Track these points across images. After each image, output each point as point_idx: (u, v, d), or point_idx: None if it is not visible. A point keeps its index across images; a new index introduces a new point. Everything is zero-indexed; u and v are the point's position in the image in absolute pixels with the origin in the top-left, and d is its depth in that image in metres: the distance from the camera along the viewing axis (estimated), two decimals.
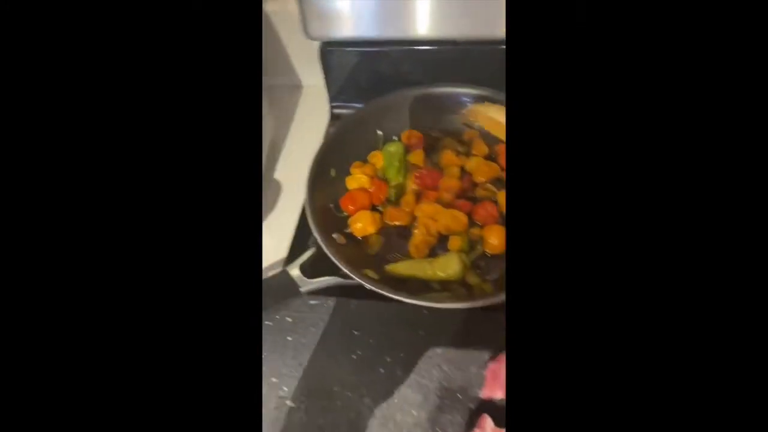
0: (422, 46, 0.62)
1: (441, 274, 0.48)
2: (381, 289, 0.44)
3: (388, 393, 0.42)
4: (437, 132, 0.62)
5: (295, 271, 0.48)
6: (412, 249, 0.51)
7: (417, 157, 0.58)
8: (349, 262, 0.47)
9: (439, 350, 0.44)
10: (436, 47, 0.62)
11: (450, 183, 0.55)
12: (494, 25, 0.58)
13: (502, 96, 0.58)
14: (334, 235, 0.52)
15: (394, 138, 0.62)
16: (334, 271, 0.47)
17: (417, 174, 0.56)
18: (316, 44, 0.65)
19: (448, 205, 0.53)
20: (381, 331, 0.45)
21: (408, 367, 0.43)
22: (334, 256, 0.46)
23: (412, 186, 0.56)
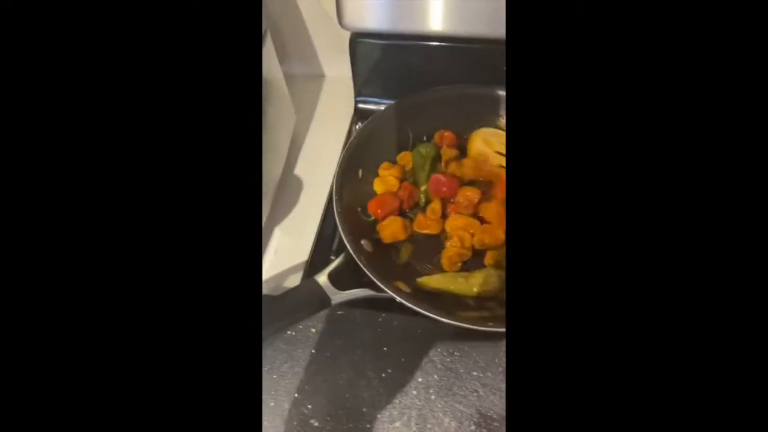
0: (458, 43, 0.59)
1: (476, 290, 0.45)
2: (418, 306, 0.41)
3: (420, 417, 0.39)
4: (471, 133, 0.59)
5: (323, 279, 0.44)
6: (444, 261, 0.48)
7: (450, 160, 0.55)
8: (379, 273, 0.44)
9: (475, 373, 0.41)
10: (472, 45, 0.58)
11: (468, 194, 0.51)
12: None
13: None
14: (362, 242, 0.48)
15: (425, 139, 0.58)
16: (364, 281, 0.44)
17: (434, 179, 0.52)
18: (344, 33, 0.61)
19: (472, 216, 0.50)
20: (413, 349, 0.42)
21: (442, 390, 0.40)
22: (366, 267, 0.43)
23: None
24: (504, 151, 0.54)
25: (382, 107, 0.59)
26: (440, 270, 0.48)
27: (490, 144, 0.56)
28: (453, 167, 0.54)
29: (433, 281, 0.46)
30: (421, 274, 0.48)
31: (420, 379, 0.41)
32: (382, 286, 0.42)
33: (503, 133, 0.55)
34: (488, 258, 0.47)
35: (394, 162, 0.56)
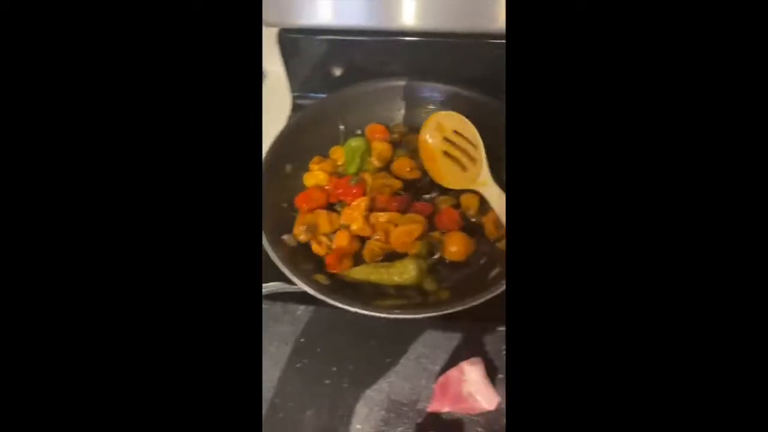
0: (401, 36, 0.59)
1: (397, 279, 0.46)
2: (326, 296, 0.41)
3: (332, 405, 0.40)
4: (404, 127, 0.59)
5: None
6: (366, 253, 0.48)
7: (381, 153, 0.55)
8: (297, 267, 0.44)
9: (388, 360, 0.42)
10: (416, 38, 0.59)
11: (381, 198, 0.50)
12: (481, 18, 0.55)
13: (477, 94, 0.55)
14: (285, 237, 0.49)
15: (358, 132, 0.59)
16: (284, 275, 0.44)
17: (330, 184, 0.52)
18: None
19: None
20: (329, 340, 0.43)
21: (355, 378, 0.41)
22: (281, 261, 0.44)
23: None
24: (462, 131, 0.53)
25: None
26: (363, 262, 0.48)
27: (441, 129, 0.56)
28: (378, 162, 0.54)
29: (354, 272, 0.47)
30: (349, 265, 0.48)
31: (334, 369, 0.41)
32: (294, 279, 0.42)
33: (458, 116, 0.54)
34: (411, 248, 0.48)
35: (326, 156, 0.57)
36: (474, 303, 0.40)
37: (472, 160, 0.52)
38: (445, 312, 0.40)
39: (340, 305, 0.40)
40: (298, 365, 0.42)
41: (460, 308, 0.39)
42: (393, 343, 0.42)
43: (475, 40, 0.57)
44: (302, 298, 0.44)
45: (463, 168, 0.52)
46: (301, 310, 0.45)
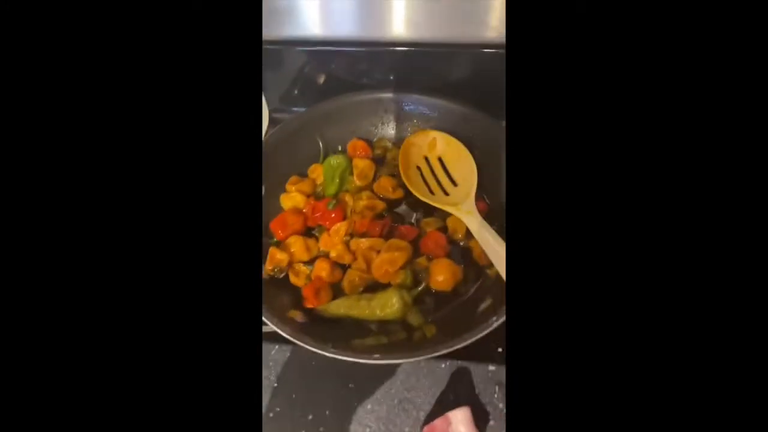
0: (387, 47, 0.55)
1: (379, 313, 0.42)
2: (300, 339, 0.37)
3: None
4: (388, 142, 0.55)
5: None
6: (345, 284, 0.44)
7: (363, 170, 0.51)
8: (271, 302, 0.41)
9: (369, 406, 0.38)
10: (403, 48, 0.55)
11: (359, 224, 0.46)
12: (473, 26, 0.52)
13: (468, 109, 0.51)
14: None
15: (339, 149, 0.55)
16: None
17: (308, 207, 0.49)
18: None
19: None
20: (305, 384, 0.39)
21: (333, 426, 0.37)
22: None
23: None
24: (452, 160, 0.50)
25: None
26: (342, 293, 0.44)
27: (419, 148, 0.52)
28: (360, 181, 0.51)
29: (333, 307, 0.43)
30: (327, 298, 0.44)
31: (310, 417, 0.38)
32: (266, 319, 0.39)
33: (456, 143, 0.51)
34: (394, 277, 0.44)
35: (304, 175, 0.53)
36: (463, 344, 0.36)
37: (453, 184, 0.49)
38: (430, 356, 0.36)
39: (314, 349, 0.37)
40: (271, 414, 0.38)
41: (445, 351, 0.36)
42: (374, 386, 0.39)
43: (466, 49, 0.54)
44: (277, 335, 0.41)
45: (434, 191, 0.49)
46: (276, 350, 0.41)
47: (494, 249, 0.41)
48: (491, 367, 0.39)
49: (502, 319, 0.37)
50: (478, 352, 0.37)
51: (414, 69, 0.57)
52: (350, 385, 0.39)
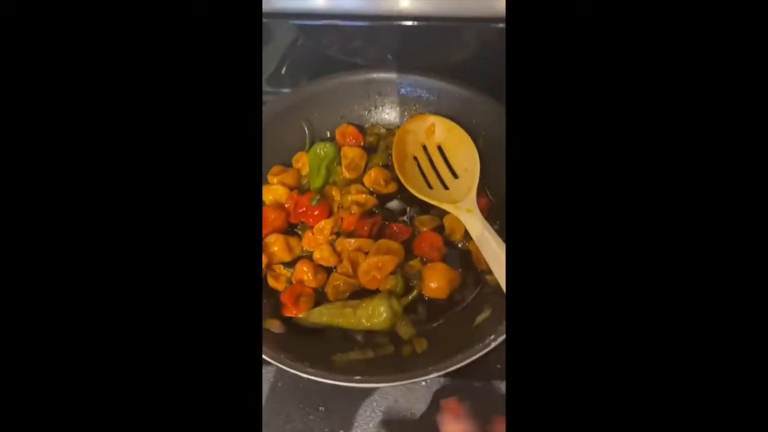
0: (385, 21, 0.49)
1: (365, 323, 0.38)
2: (274, 358, 0.33)
3: None
4: (381, 129, 0.50)
5: None
6: (329, 289, 0.40)
7: (353, 161, 0.46)
8: None
9: None
10: (403, 23, 0.48)
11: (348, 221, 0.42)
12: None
13: (471, 92, 0.46)
14: None
15: (327, 135, 0.50)
16: None
17: (294, 205, 0.43)
18: None
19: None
20: (269, 407, 0.35)
21: None
22: None
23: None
24: (453, 149, 0.45)
25: None
26: (326, 300, 0.40)
27: (415, 135, 0.47)
28: (349, 173, 0.46)
29: (314, 315, 0.39)
30: (308, 306, 0.40)
31: None
32: None
33: (458, 129, 0.46)
34: (383, 283, 0.40)
35: (288, 165, 0.48)
36: (456, 366, 0.32)
37: (454, 177, 0.44)
38: (419, 380, 0.32)
39: (290, 370, 0.33)
40: None
41: (435, 375, 0.31)
42: (346, 408, 0.34)
43: (472, 24, 0.47)
44: None
45: (432, 185, 0.44)
46: None
47: (495, 254, 0.37)
48: (476, 384, 0.34)
49: (502, 337, 0.32)
50: (471, 369, 0.32)
51: (414, 47, 0.51)
52: (320, 408, 0.35)
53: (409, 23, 0.49)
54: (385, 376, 0.32)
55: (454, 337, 0.36)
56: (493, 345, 0.32)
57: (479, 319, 0.37)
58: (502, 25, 0.47)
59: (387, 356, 0.36)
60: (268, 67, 0.58)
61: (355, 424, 0.34)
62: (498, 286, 0.37)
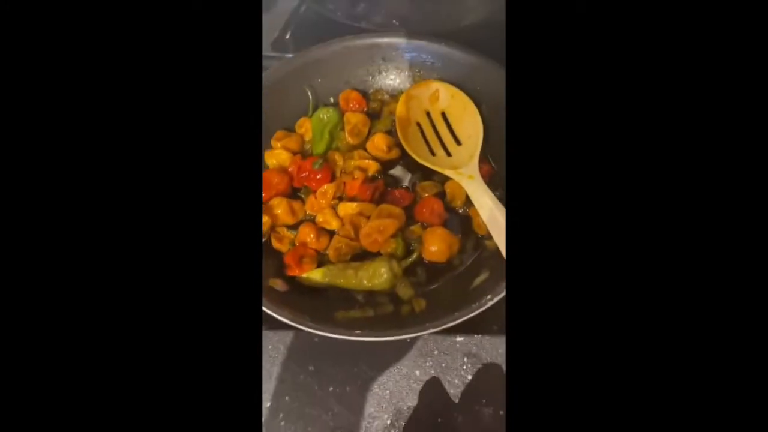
0: None
1: (366, 283, 0.39)
2: (277, 312, 0.34)
3: None
4: (385, 94, 0.50)
5: None
6: (331, 252, 0.41)
7: (356, 126, 0.46)
8: None
9: (331, 389, 0.35)
10: None
11: (352, 185, 0.42)
12: None
13: (477, 57, 0.45)
14: None
15: (330, 101, 0.50)
16: None
17: (297, 169, 0.44)
18: None
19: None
20: (263, 369, 0.36)
21: (292, 413, 0.34)
22: None
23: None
24: (457, 115, 0.45)
25: None
26: (328, 261, 0.41)
27: (419, 101, 0.47)
28: (352, 138, 0.46)
29: (317, 275, 0.40)
30: (311, 267, 0.41)
31: (269, 404, 0.35)
32: None
33: (462, 96, 0.46)
34: (384, 246, 0.40)
35: (291, 130, 0.48)
36: (453, 323, 0.33)
37: (457, 143, 0.44)
38: (416, 335, 0.33)
39: (291, 323, 0.34)
40: None
41: (433, 330, 0.33)
42: (336, 366, 0.36)
43: None
44: None
45: (435, 151, 0.44)
46: None
47: (496, 220, 0.37)
48: (459, 338, 0.35)
49: (498, 297, 0.33)
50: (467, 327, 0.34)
51: (420, 12, 0.50)
52: (310, 368, 0.36)
53: None
54: (384, 332, 0.33)
55: (452, 298, 0.36)
56: (489, 304, 0.33)
57: (477, 281, 0.38)
58: None
59: (386, 315, 0.37)
60: (272, 32, 0.57)
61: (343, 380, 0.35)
62: (497, 250, 0.37)
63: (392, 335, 0.33)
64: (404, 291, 0.39)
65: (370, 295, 0.39)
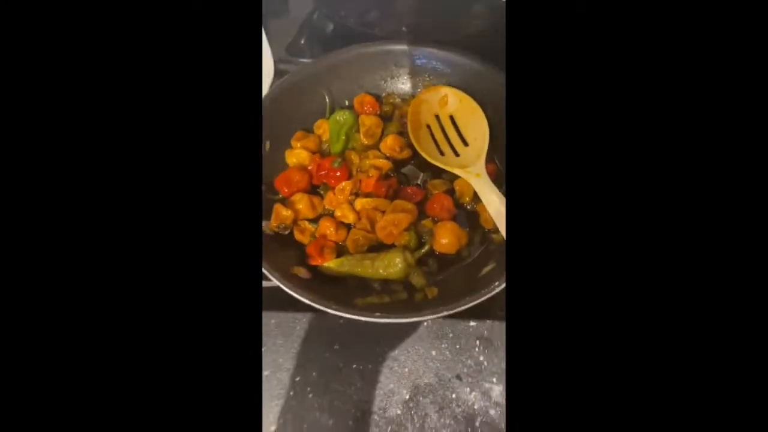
0: None
1: (382, 272, 0.42)
2: (303, 296, 0.38)
3: (297, 419, 0.37)
4: (397, 98, 0.53)
5: None
6: (349, 243, 0.44)
7: (370, 128, 0.50)
8: (274, 258, 0.41)
9: (354, 366, 0.39)
10: None
11: (367, 183, 0.45)
12: None
13: (483, 65, 0.48)
14: (263, 222, 0.45)
15: (346, 104, 0.53)
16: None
17: (313, 164, 0.47)
18: None
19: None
20: (292, 346, 0.40)
21: (319, 387, 0.38)
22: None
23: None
24: (464, 119, 0.48)
25: None
26: (346, 252, 0.44)
27: (429, 105, 0.50)
28: (366, 139, 0.49)
29: (336, 265, 0.43)
30: (331, 256, 0.45)
31: (298, 378, 0.39)
32: (270, 275, 0.39)
33: (469, 101, 0.49)
34: (398, 238, 0.44)
35: (310, 131, 0.51)
36: (464, 307, 0.36)
37: (465, 144, 0.48)
38: (430, 317, 0.37)
39: (317, 306, 0.37)
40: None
41: (446, 313, 0.36)
42: (359, 345, 0.39)
43: None
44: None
45: (444, 152, 0.48)
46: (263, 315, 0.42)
47: (501, 215, 0.41)
48: (472, 323, 0.39)
49: (503, 284, 0.37)
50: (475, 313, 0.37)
51: (429, 19, 0.53)
52: (335, 346, 0.39)
53: None
54: (401, 314, 0.37)
55: (462, 286, 0.40)
56: (496, 291, 0.37)
57: (485, 270, 0.41)
58: None
59: (401, 301, 0.41)
60: (287, 36, 0.61)
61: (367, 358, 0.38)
62: (503, 243, 0.41)
63: (409, 317, 0.36)
64: (417, 280, 0.42)
65: (386, 283, 0.43)
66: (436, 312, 0.36)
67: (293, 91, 0.50)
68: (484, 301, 0.37)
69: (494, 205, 0.42)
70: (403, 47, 0.52)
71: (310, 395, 0.37)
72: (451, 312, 0.36)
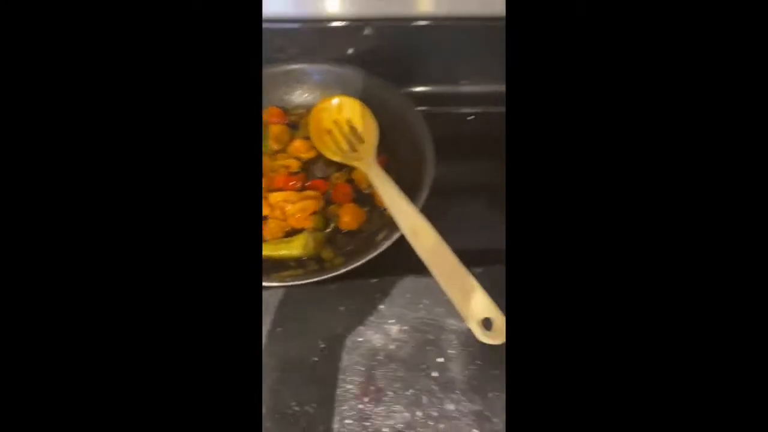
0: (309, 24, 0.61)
1: (296, 252, 0.50)
2: None
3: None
4: (302, 110, 0.62)
5: None
6: (266, 233, 0.52)
7: (278, 135, 0.58)
8: None
9: (279, 329, 0.46)
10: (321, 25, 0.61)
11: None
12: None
13: (371, 78, 0.59)
14: None
15: None
16: None
17: None
18: None
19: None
20: None
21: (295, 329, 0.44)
22: None
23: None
24: (358, 120, 0.58)
25: None
26: (264, 240, 0.52)
27: (339, 110, 0.59)
28: (276, 144, 0.58)
29: None
30: None
31: (269, 328, 0.45)
32: None
33: (359, 105, 0.59)
34: (307, 222, 0.52)
35: None
36: (358, 263, 0.45)
37: (360, 141, 0.58)
38: (335, 273, 0.45)
39: None
40: None
41: (343, 270, 0.45)
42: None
43: (370, 22, 0.61)
44: None
45: (343, 150, 0.57)
46: None
47: (389, 195, 0.50)
48: (372, 280, 0.48)
49: (390, 241, 0.46)
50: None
51: (323, 43, 0.64)
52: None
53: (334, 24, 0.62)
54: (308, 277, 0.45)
55: (363, 252, 0.49)
56: (383, 247, 0.46)
57: (379, 237, 0.50)
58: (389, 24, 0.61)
59: (313, 271, 0.49)
60: None
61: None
62: (391, 216, 0.50)
63: (314, 278, 0.45)
64: (327, 253, 0.51)
65: (300, 261, 0.51)
66: (336, 271, 0.45)
67: None
68: (384, 261, 0.46)
69: (384, 189, 0.51)
70: (303, 66, 0.61)
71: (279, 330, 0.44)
72: (352, 266, 0.45)
